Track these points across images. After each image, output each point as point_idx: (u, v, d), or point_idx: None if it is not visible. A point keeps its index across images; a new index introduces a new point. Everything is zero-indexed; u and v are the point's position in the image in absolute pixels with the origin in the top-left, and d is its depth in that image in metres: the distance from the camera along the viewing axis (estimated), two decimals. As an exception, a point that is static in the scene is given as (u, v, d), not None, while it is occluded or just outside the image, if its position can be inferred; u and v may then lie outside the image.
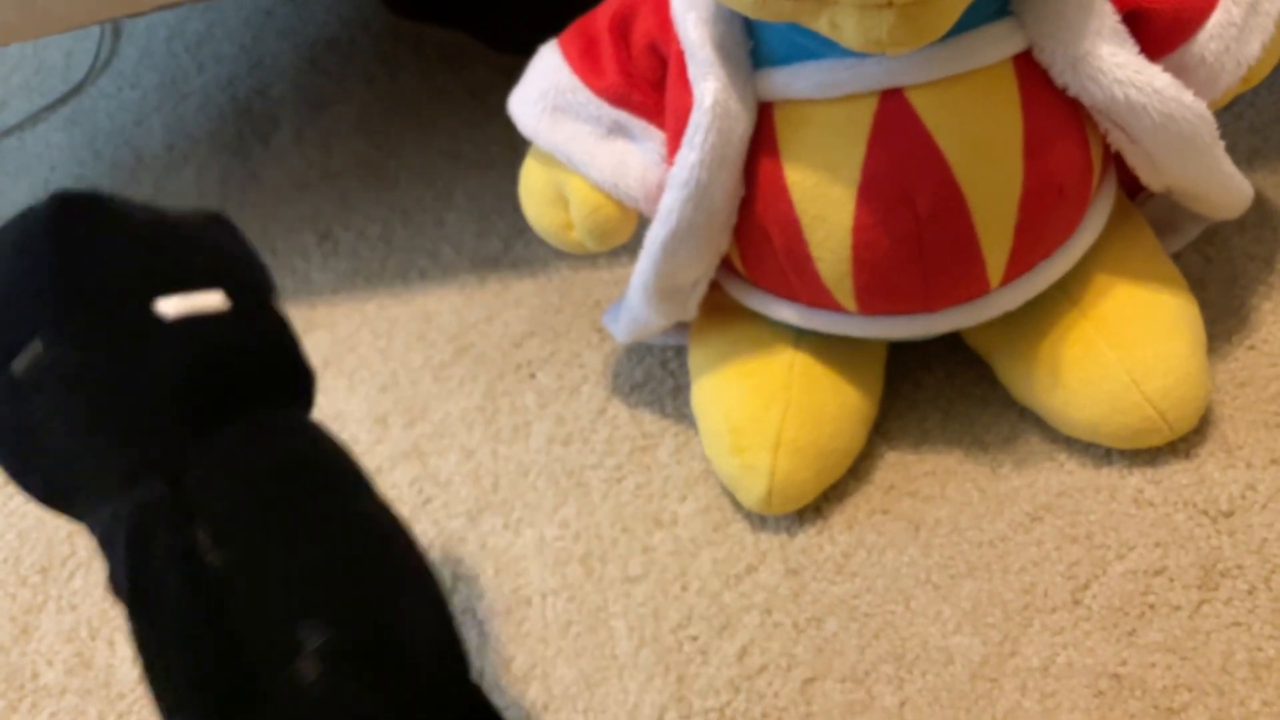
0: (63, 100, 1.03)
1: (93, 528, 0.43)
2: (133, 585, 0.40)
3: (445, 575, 0.62)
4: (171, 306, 0.42)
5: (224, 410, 0.43)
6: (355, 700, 0.39)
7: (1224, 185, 0.55)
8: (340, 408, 0.71)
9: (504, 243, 0.79)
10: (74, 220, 0.43)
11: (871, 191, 0.51)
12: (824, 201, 0.52)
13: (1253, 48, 0.52)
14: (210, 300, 0.43)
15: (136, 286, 0.43)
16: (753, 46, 0.52)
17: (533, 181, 0.61)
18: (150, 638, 0.40)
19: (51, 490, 0.43)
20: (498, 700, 0.56)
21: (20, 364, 0.41)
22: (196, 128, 0.96)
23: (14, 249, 0.43)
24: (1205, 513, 0.55)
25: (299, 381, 0.47)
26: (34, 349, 0.41)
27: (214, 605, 0.39)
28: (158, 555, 0.40)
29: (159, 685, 0.40)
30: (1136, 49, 0.50)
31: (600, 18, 0.58)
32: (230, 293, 0.44)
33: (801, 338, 0.60)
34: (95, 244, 0.43)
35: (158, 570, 0.40)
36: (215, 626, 0.39)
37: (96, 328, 0.42)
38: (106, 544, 0.42)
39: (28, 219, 0.44)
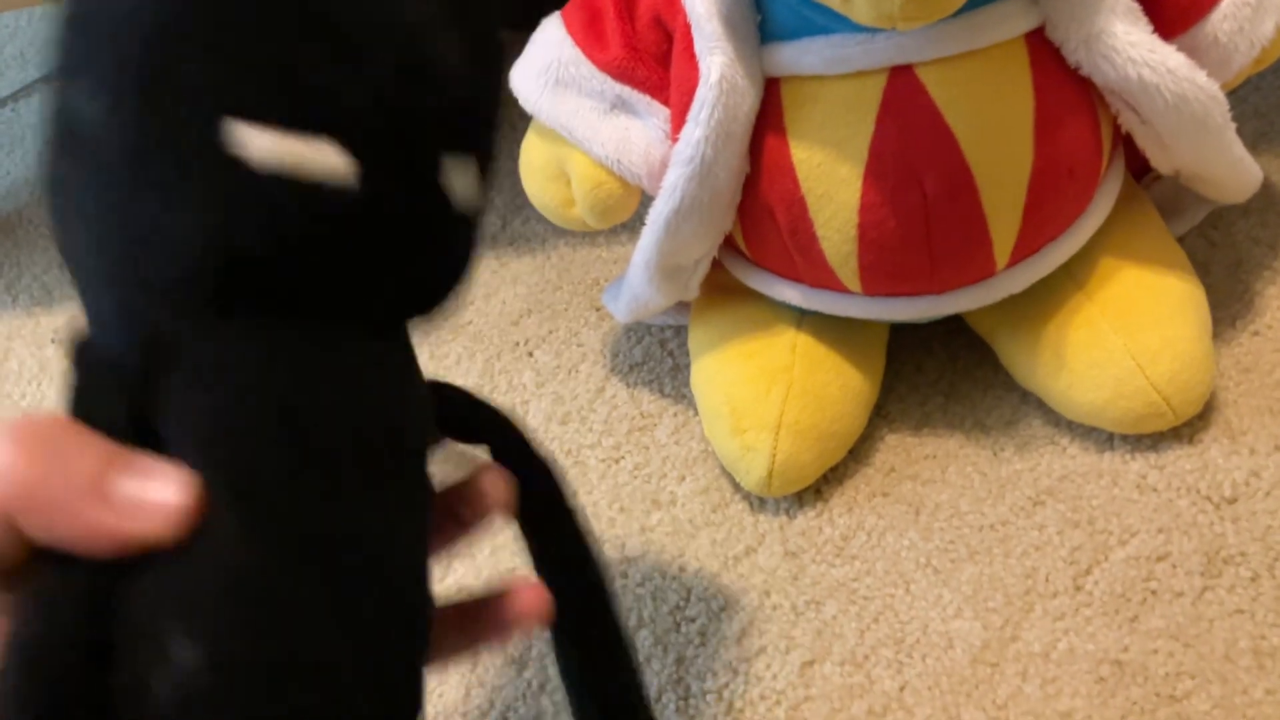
0: (55, 71, 1.02)
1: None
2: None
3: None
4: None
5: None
6: None
7: (1233, 168, 0.55)
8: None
9: (501, 219, 0.78)
10: None
11: (879, 170, 0.51)
12: (830, 180, 0.52)
13: (1266, 28, 0.51)
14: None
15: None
16: (760, 20, 0.52)
17: (533, 157, 0.60)
18: None
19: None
20: (490, 685, 0.56)
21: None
22: (191, 100, 0.95)
23: None
24: (1209, 499, 0.54)
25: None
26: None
27: None
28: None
29: None
30: (1150, 28, 0.50)
31: (605, -10, 0.57)
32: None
33: (804, 318, 0.60)
34: None
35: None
36: None
37: None
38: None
39: None
